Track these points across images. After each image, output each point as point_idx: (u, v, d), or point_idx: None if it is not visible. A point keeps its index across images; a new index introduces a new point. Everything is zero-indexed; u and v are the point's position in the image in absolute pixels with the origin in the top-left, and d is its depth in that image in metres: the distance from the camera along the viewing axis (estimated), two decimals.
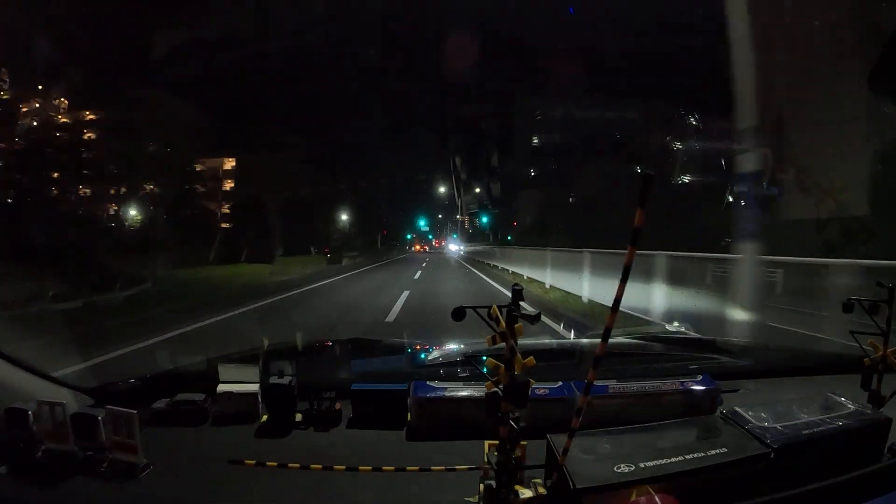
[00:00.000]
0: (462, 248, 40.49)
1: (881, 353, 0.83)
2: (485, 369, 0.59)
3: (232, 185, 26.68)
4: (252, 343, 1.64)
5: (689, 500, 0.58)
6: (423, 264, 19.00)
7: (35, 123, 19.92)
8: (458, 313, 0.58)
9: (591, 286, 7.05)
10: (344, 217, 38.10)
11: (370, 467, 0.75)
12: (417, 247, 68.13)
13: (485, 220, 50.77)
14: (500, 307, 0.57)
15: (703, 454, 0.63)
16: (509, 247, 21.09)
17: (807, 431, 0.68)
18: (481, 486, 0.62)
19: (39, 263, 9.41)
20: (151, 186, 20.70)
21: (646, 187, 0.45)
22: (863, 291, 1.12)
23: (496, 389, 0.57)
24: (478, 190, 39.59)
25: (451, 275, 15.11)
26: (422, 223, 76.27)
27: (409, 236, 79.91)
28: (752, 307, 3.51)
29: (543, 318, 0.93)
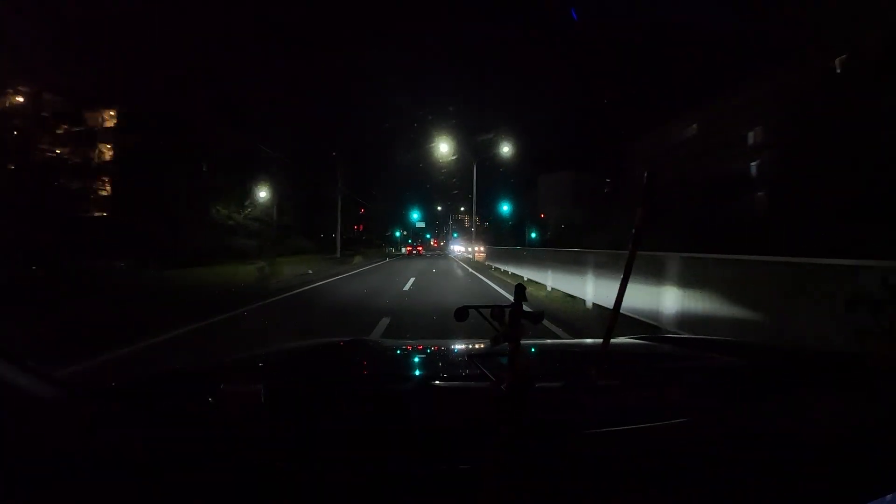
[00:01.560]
0: (470, 249, 32.59)
1: (884, 351, 0.83)
2: (488, 369, 0.59)
3: None
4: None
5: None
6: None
7: None
8: (461, 313, 0.58)
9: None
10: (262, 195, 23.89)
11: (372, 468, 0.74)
12: (410, 248, 57.62)
13: (505, 209, 41.33)
14: (503, 307, 0.56)
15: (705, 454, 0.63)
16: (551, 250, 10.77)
17: (809, 431, 0.68)
18: (483, 487, 0.62)
19: None
20: None
21: (650, 186, 0.45)
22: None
23: (499, 389, 0.57)
24: (498, 152, 25.37)
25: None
26: (415, 217, 60.86)
27: (398, 234, 64.26)
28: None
29: (545, 319, 0.93)
